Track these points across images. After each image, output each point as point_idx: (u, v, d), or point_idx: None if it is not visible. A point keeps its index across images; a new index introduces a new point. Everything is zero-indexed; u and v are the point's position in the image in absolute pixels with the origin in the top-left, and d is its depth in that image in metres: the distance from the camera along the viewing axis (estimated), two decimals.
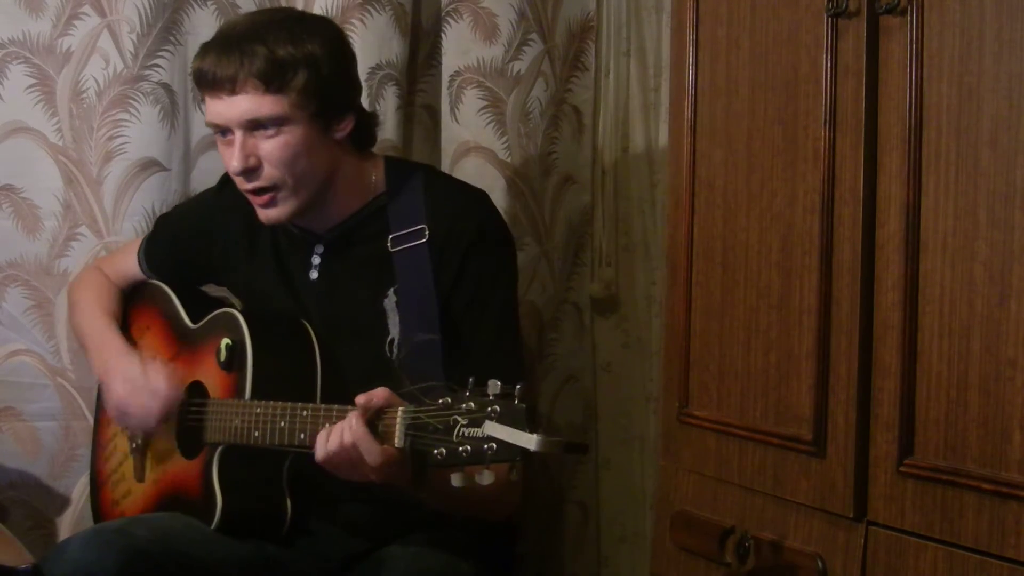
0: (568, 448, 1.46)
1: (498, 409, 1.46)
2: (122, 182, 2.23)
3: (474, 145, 2.39)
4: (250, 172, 1.82)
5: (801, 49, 1.60)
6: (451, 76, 2.39)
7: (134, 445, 2.03)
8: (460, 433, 1.48)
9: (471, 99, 2.38)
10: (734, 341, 1.72)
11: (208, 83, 1.81)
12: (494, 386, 1.48)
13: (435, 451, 1.50)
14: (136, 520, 1.87)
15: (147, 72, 2.22)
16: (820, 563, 1.57)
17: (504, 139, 2.40)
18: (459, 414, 1.49)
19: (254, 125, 1.80)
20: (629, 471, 2.55)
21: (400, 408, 1.59)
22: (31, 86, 2.20)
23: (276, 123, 1.80)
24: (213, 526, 1.82)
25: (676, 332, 1.83)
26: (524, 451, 1.43)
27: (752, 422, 1.69)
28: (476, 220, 1.90)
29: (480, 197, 1.97)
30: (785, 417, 1.63)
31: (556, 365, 2.51)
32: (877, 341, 1.50)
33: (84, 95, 2.21)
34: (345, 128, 1.87)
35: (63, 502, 2.26)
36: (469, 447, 1.47)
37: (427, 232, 1.86)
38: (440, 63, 2.41)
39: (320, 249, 1.95)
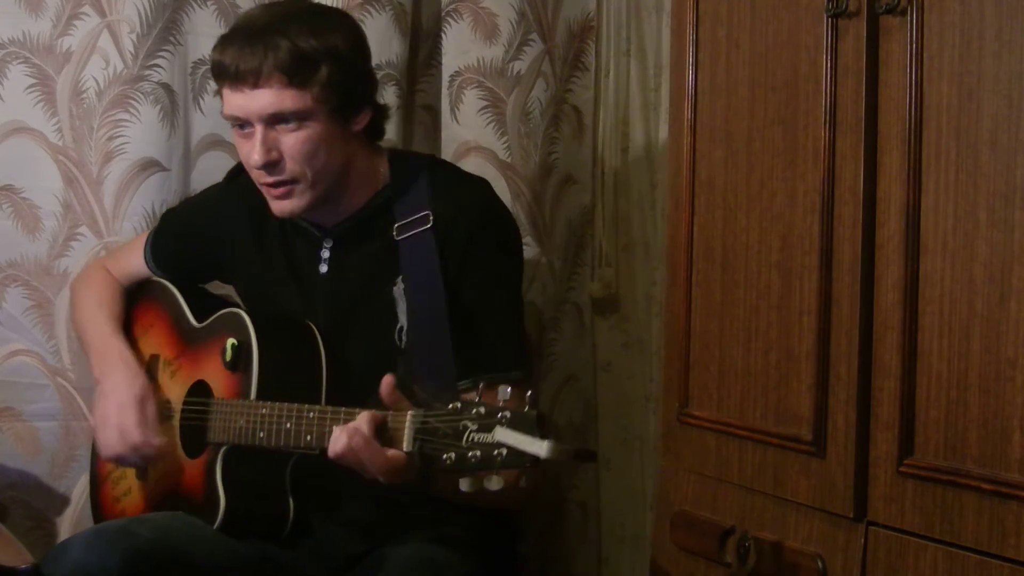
0: (578, 455, 1.46)
1: (509, 415, 1.46)
2: (122, 182, 2.23)
3: (474, 145, 2.39)
4: (271, 166, 1.81)
5: (801, 49, 1.60)
6: (451, 76, 2.39)
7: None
8: (470, 438, 1.48)
9: (471, 99, 2.38)
10: (734, 341, 1.72)
11: (229, 76, 1.79)
12: (504, 391, 1.48)
13: (444, 456, 1.50)
14: (138, 520, 1.87)
15: (147, 72, 2.22)
16: (820, 563, 1.57)
17: (504, 139, 2.40)
18: (469, 419, 1.49)
19: (276, 119, 1.79)
20: (629, 471, 2.54)
21: (410, 412, 1.58)
22: (31, 86, 2.20)
23: (298, 117, 1.79)
24: (215, 526, 1.81)
25: (676, 332, 1.83)
26: (534, 458, 1.43)
27: (752, 422, 1.69)
28: (480, 206, 1.90)
29: (483, 184, 1.97)
30: (785, 417, 1.63)
31: (556, 365, 2.51)
32: (877, 341, 1.50)
33: (84, 95, 2.21)
34: (362, 121, 1.88)
35: (63, 502, 2.26)
36: (479, 452, 1.47)
37: (431, 219, 1.86)
38: (440, 63, 2.41)
39: (329, 243, 1.94)
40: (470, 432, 1.48)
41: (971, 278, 1.39)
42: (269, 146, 1.80)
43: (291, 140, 1.80)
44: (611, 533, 2.57)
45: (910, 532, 1.46)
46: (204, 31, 2.25)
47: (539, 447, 1.42)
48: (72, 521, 2.24)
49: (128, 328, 2.09)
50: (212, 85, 2.27)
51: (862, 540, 1.52)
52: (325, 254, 1.95)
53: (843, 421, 1.54)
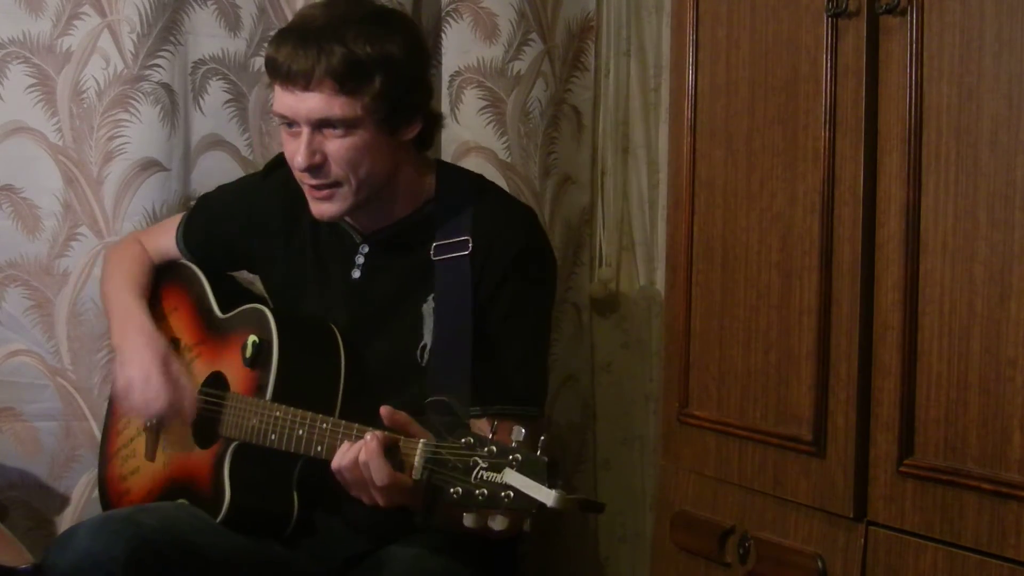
0: (584, 506, 1.46)
1: (520, 458, 1.46)
2: (122, 182, 2.23)
3: (474, 145, 2.39)
4: (315, 169, 1.80)
5: (801, 49, 1.60)
6: (451, 76, 2.39)
7: (148, 424, 2.02)
8: (479, 476, 1.48)
9: (471, 99, 2.38)
10: (734, 341, 1.72)
11: (281, 75, 1.78)
12: (518, 432, 1.48)
13: (451, 489, 1.50)
14: (143, 509, 1.87)
15: (147, 72, 2.22)
16: (820, 563, 1.57)
17: (504, 139, 2.40)
18: (480, 456, 1.49)
19: (323, 124, 1.78)
20: (629, 471, 2.54)
21: (422, 440, 1.58)
22: (31, 86, 2.20)
23: (346, 124, 1.78)
24: (218, 520, 1.82)
25: (676, 332, 1.83)
26: (540, 505, 1.42)
27: (752, 422, 1.69)
28: (520, 239, 1.88)
29: (527, 215, 1.96)
30: (785, 417, 1.63)
31: (555, 365, 2.51)
32: (877, 341, 1.50)
33: (84, 95, 2.21)
34: (412, 132, 1.86)
35: (63, 502, 2.26)
36: (486, 491, 1.47)
37: (471, 245, 1.85)
38: (440, 63, 2.41)
39: (366, 249, 1.94)
40: (479, 469, 1.48)
41: (971, 278, 1.39)
42: (314, 149, 1.79)
43: (337, 146, 1.79)
44: (611, 533, 2.57)
45: (910, 532, 1.46)
46: (204, 31, 2.26)
47: (546, 495, 1.42)
48: (72, 521, 2.24)
49: (153, 307, 2.07)
50: (212, 85, 2.29)
51: (862, 540, 1.52)
52: (360, 259, 1.94)
53: (843, 421, 1.54)
